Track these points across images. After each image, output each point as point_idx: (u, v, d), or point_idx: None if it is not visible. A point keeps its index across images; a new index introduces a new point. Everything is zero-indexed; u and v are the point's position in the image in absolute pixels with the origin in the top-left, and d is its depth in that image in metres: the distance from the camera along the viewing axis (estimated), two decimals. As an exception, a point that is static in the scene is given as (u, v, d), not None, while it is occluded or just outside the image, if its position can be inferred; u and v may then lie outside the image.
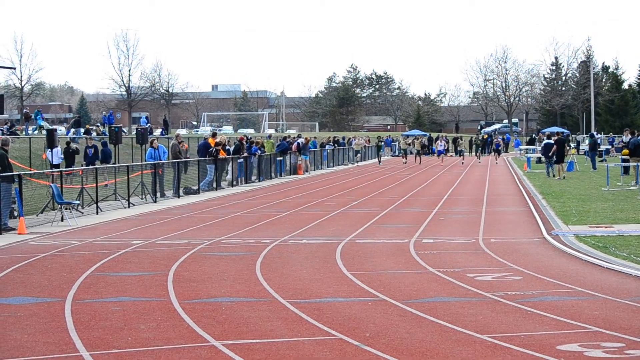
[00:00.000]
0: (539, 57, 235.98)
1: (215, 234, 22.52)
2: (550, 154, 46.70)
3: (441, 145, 77.52)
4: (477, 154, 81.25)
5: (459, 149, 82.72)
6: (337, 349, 10.09)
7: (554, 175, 46.59)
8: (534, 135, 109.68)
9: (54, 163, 38.17)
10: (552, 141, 47.53)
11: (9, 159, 25.67)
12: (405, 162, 73.37)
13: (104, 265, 17.31)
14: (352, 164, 76.44)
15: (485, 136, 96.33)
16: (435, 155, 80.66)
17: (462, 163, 71.19)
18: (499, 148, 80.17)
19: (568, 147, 56.61)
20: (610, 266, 16.08)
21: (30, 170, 39.11)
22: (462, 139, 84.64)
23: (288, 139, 60.71)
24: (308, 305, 12.73)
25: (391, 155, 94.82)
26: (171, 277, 15.54)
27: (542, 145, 50.36)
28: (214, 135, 45.63)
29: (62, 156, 42.00)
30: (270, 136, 64.22)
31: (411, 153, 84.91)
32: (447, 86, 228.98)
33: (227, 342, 10.46)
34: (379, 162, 73.96)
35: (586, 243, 19.26)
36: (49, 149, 37.39)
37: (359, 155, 78.93)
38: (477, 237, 21.35)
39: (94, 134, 62.52)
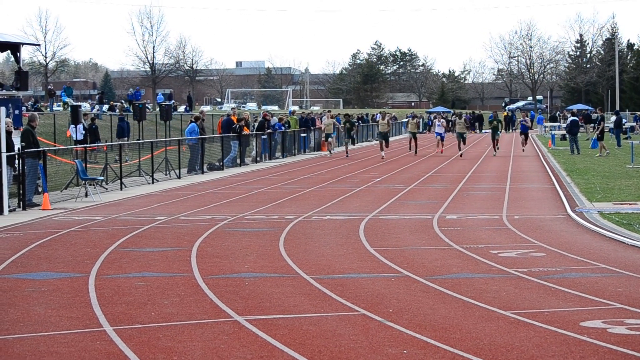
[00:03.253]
0: (564, 35, 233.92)
1: (239, 210, 22.55)
2: (599, 132, 47.98)
3: (438, 126, 54.65)
4: (495, 141, 49.67)
5: (458, 131, 51.33)
6: (360, 325, 10.09)
7: (578, 152, 46.85)
8: (557, 112, 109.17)
9: (77, 139, 38.21)
10: (576, 118, 47.50)
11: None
12: (383, 157, 46.83)
13: (127, 240, 17.38)
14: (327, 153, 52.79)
15: (508, 113, 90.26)
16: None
17: (461, 155, 48.19)
18: (527, 131, 53.35)
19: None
20: (634, 243, 16.01)
21: (55, 147, 39.21)
22: (461, 117, 54.92)
23: (312, 116, 60.56)
24: (331, 281, 12.73)
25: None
26: (195, 253, 15.58)
27: (568, 122, 50.14)
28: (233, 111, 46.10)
29: (83, 131, 42.01)
30: (293, 112, 63.89)
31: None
32: (471, 63, 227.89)
33: (250, 318, 10.48)
34: (347, 154, 49.74)
35: (610, 220, 19.18)
36: (73, 125, 37.42)
37: (330, 139, 52.65)
38: (500, 213, 21.29)
39: (117, 110, 62.69)
